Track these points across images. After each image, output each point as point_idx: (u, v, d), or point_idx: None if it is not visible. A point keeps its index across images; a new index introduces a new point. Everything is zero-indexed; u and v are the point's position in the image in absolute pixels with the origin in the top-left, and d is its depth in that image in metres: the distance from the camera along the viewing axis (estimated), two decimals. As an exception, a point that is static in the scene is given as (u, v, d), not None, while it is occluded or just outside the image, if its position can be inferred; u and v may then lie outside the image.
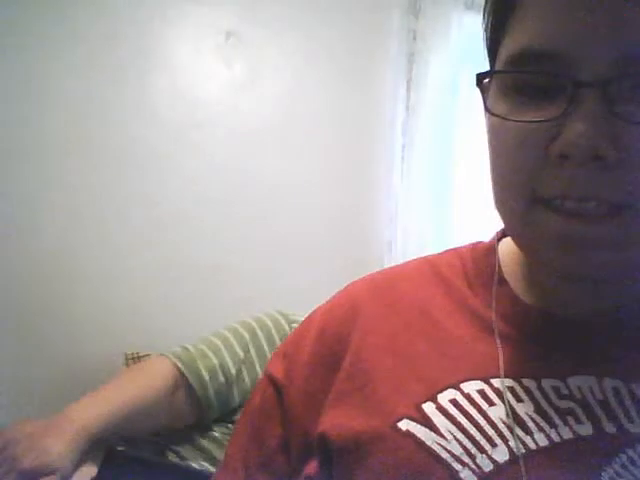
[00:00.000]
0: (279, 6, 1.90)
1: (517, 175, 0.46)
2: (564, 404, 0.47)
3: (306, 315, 1.29)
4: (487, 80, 0.48)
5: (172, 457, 1.14)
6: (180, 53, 1.86)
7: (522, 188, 0.45)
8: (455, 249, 0.59)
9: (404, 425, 0.47)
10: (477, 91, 0.47)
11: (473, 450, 0.45)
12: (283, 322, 1.27)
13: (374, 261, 1.89)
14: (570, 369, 0.48)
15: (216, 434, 1.17)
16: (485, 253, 0.57)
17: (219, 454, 1.15)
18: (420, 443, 0.46)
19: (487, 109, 0.47)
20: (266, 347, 1.22)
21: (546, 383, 0.48)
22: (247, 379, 1.18)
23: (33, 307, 1.70)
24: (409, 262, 0.61)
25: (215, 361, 1.15)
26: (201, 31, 1.86)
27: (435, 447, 0.46)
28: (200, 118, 1.85)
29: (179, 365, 1.11)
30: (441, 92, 1.89)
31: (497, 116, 0.46)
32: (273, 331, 1.24)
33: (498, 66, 0.47)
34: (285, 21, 1.91)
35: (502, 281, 0.54)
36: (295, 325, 1.23)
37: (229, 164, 1.87)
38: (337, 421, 0.50)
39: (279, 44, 1.93)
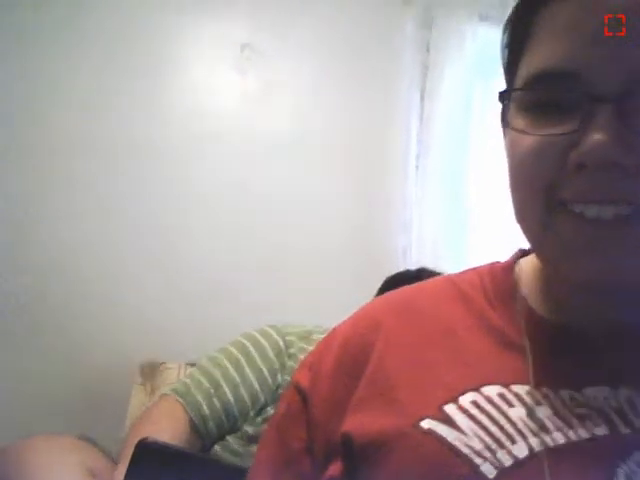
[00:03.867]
0: (293, 20, 1.93)
1: (536, 182, 0.48)
2: (581, 411, 0.48)
3: (301, 326, 1.32)
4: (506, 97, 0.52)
5: None
6: (195, 65, 1.89)
7: (541, 193, 0.48)
8: (474, 268, 0.61)
9: (426, 424, 0.49)
10: (490, 101, 0.49)
11: (493, 446, 0.47)
12: (276, 337, 1.30)
13: (389, 268, 1.90)
14: (585, 380, 0.50)
15: (232, 445, 1.22)
16: (503, 271, 0.58)
17: (238, 463, 1.19)
18: (441, 440, 0.48)
19: (507, 124, 0.51)
20: (262, 365, 1.26)
21: (563, 393, 0.49)
22: (246, 398, 1.23)
23: (45, 317, 1.72)
24: (428, 281, 0.63)
25: (212, 391, 1.21)
26: (216, 43, 1.89)
27: (456, 443, 0.47)
28: (214, 129, 1.87)
29: (186, 408, 1.18)
30: (455, 103, 1.91)
31: (516, 130, 0.49)
32: (267, 348, 1.28)
33: (517, 83, 0.51)
34: (299, 34, 1.94)
35: (519, 297, 0.56)
36: (289, 338, 1.30)
37: (244, 175, 1.89)
38: (360, 422, 0.52)
39: (293, 57, 1.95)
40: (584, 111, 0.45)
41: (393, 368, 0.53)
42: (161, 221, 1.83)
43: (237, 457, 1.21)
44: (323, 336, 1.30)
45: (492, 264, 0.60)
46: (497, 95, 0.52)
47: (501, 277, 0.58)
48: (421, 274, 1.39)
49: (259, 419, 1.23)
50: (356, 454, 0.51)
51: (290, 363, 1.27)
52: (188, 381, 1.23)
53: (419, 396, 0.51)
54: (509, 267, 0.58)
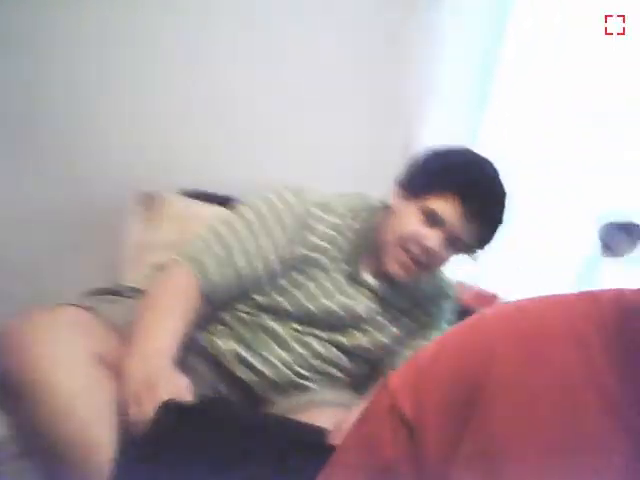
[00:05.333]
0: None
1: None
2: None
3: (317, 192, 1.23)
4: None
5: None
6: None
7: None
8: (595, 296, 0.51)
9: None
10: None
11: None
12: (296, 204, 1.22)
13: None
14: None
15: (241, 313, 1.23)
16: (635, 315, 0.47)
17: (245, 333, 1.22)
18: None
19: None
20: (279, 234, 1.20)
21: None
22: (260, 267, 1.19)
23: (51, 137, 1.66)
24: (545, 310, 0.53)
25: (225, 258, 1.16)
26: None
27: None
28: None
29: (197, 276, 1.14)
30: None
31: None
32: (286, 216, 1.21)
33: None
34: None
35: None
36: (309, 206, 1.23)
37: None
38: None
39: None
40: None
41: (500, 422, 0.48)
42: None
43: (245, 327, 1.22)
44: (340, 204, 1.24)
45: (619, 296, 0.49)
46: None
47: (633, 325, 0.47)
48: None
49: (268, 288, 1.21)
50: None
51: (311, 238, 1.22)
52: (200, 245, 1.17)
53: (526, 470, 0.46)
54: None
